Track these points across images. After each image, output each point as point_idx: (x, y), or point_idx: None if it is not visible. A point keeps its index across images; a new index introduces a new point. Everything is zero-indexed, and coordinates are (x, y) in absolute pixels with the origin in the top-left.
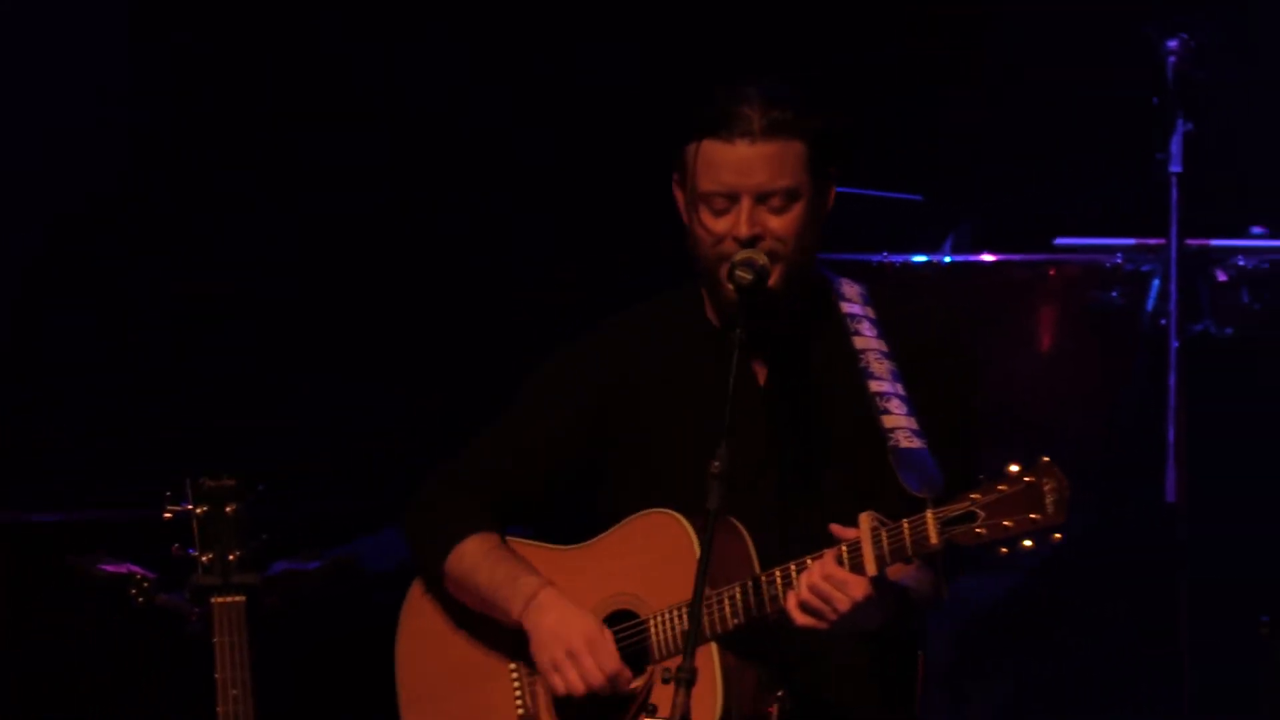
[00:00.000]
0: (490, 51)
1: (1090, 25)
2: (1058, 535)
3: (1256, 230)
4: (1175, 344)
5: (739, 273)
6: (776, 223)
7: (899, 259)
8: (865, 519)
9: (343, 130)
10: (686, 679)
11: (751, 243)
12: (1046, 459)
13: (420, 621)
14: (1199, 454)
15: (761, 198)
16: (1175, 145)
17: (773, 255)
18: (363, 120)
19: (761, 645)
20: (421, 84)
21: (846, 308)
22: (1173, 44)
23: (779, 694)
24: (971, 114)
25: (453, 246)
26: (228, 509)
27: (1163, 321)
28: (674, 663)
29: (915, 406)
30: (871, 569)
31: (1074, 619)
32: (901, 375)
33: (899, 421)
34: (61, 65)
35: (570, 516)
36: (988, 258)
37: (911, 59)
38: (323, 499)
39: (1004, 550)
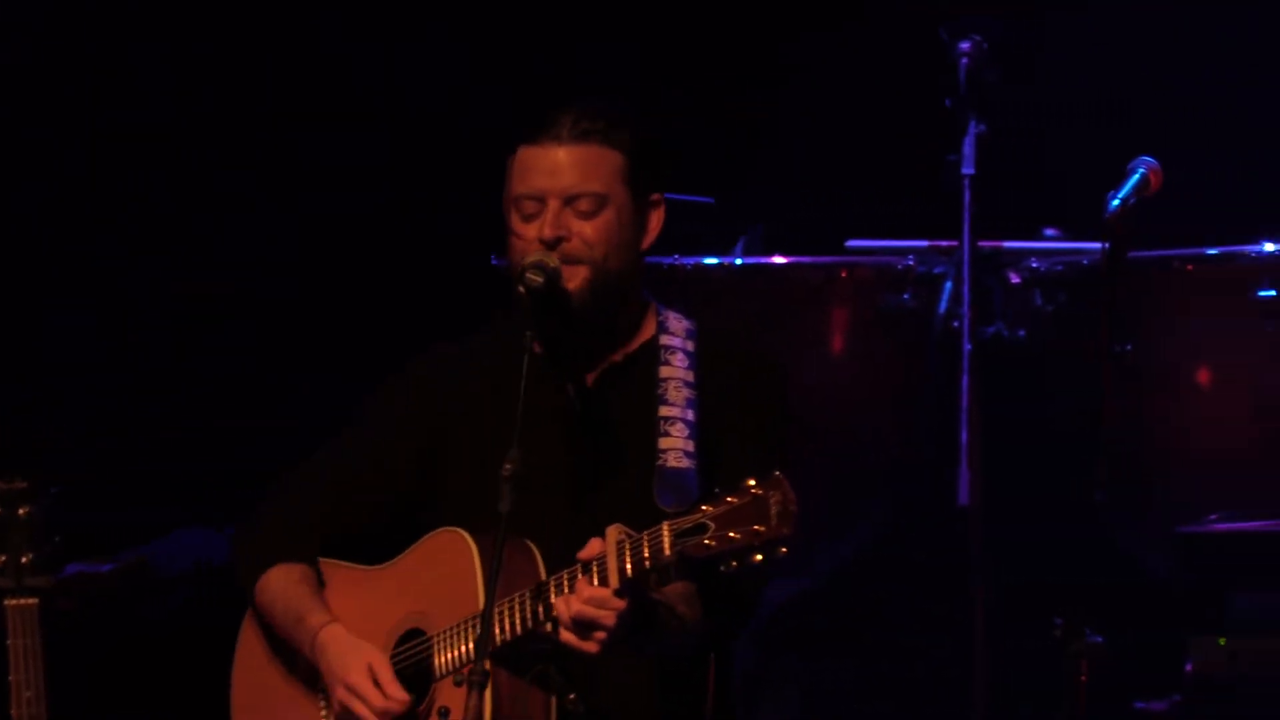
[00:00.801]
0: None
1: (881, 26)
2: (784, 549)
3: (1049, 232)
4: (968, 346)
5: (529, 275)
6: (583, 227)
7: (690, 261)
8: (612, 532)
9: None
10: (479, 681)
11: (554, 245)
12: (778, 473)
13: (253, 634)
14: (992, 457)
15: (569, 200)
16: (968, 147)
17: (576, 259)
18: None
19: (545, 651)
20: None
21: (666, 340)
22: (965, 45)
23: (570, 697)
24: (763, 115)
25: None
26: (20, 511)
27: (955, 324)
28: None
29: (718, 435)
30: (614, 581)
31: (868, 622)
32: (703, 405)
33: (674, 443)
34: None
35: None
36: (779, 260)
37: (702, 58)
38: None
39: (735, 564)
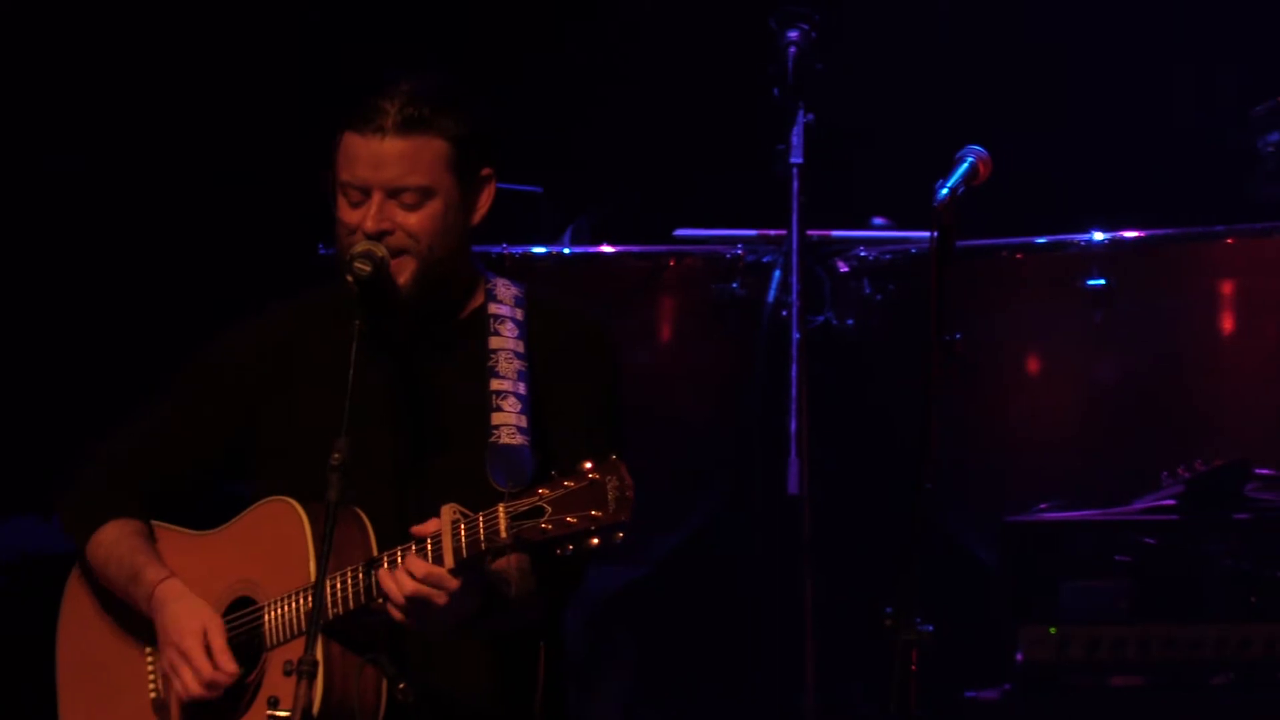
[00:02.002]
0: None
1: (709, 15)
2: (620, 534)
3: (878, 221)
4: (797, 335)
5: (357, 265)
6: (408, 219)
7: (519, 250)
8: (447, 511)
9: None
10: (309, 671)
11: (378, 239)
12: (615, 456)
13: (76, 601)
14: (821, 445)
15: (393, 193)
16: (796, 136)
17: (401, 251)
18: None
19: (375, 633)
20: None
21: (495, 309)
22: (793, 35)
23: (400, 686)
24: (591, 104)
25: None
26: None
27: (784, 313)
28: (291, 652)
29: (549, 411)
30: (448, 561)
31: (699, 610)
32: (534, 376)
33: (507, 419)
34: None
35: None
36: (607, 249)
37: (530, 49)
38: None
39: (570, 547)
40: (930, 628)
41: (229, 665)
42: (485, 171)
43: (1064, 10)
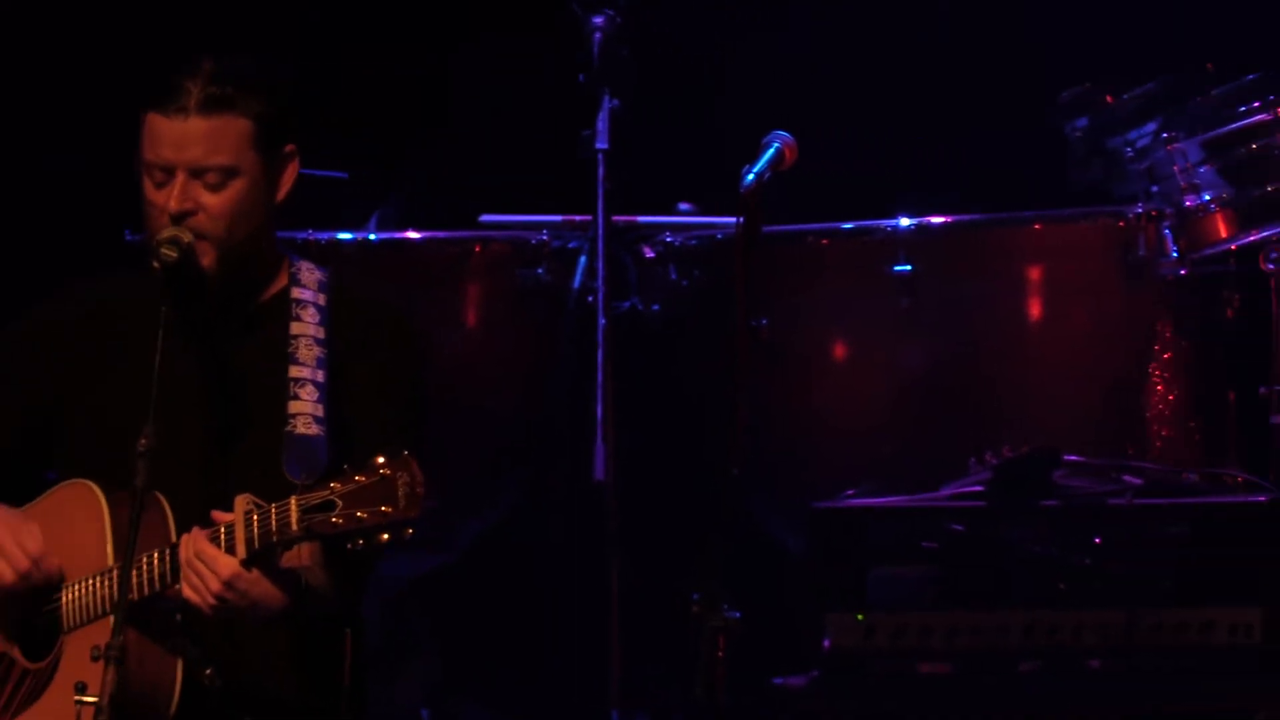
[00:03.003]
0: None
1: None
2: (409, 530)
3: (684, 207)
4: (602, 321)
5: (164, 251)
6: (210, 200)
7: (324, 236)
8: (240, 502)
9: None
10: (116, 656)
11: (180, 219)
12: (407, 453)
13: None
14: (627, 431)
15: (196, 173)
16: (602, 122)
17: (201, 233)
18: None
19: (172, 619)
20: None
21: (298, 293)
22: (599, 20)
23: (207, 672)
24: (397, 90)
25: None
26: None
27: (590, 298)
28: (91, 636)
29: (349, 396)
30: (241, 552)
31: (504, 596)
32: (334, 364)
33: (304, 408)
34: None
35: None
36: (413, 235)
37: (336, 34)
38: None
39: (361, 542)
40: (737, 614)
41: (48, 556)
42: (288, 148)
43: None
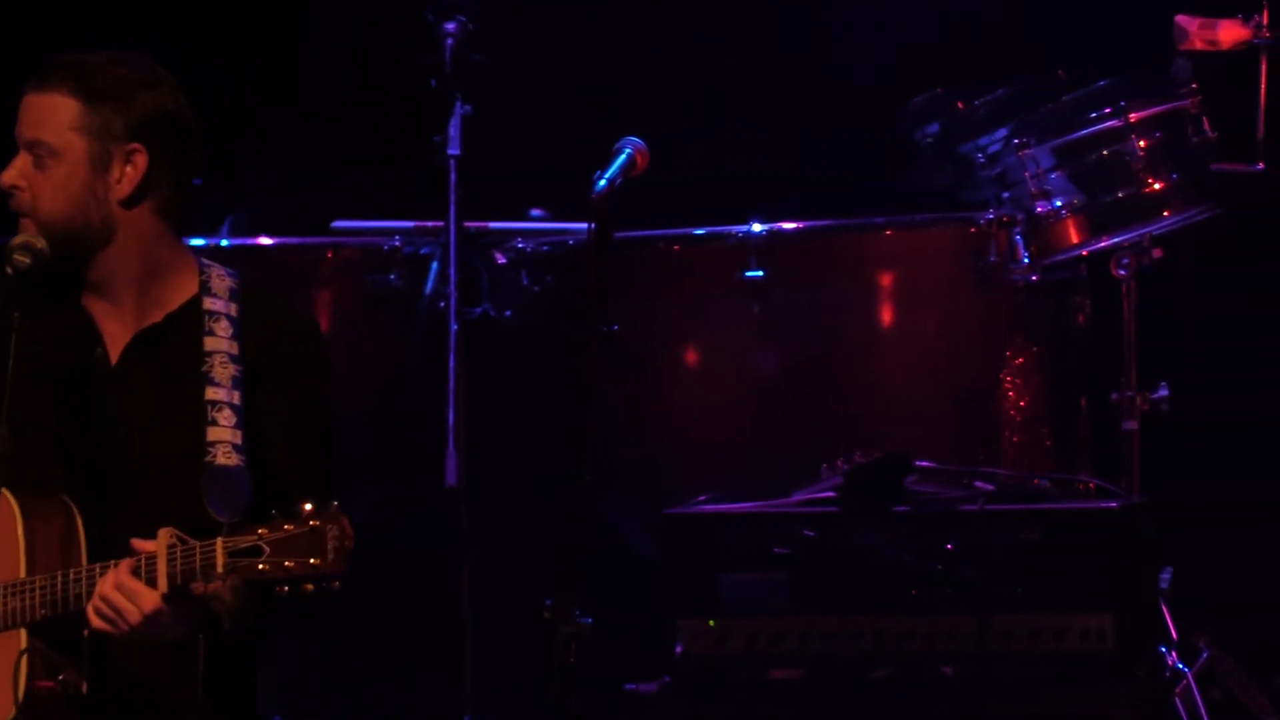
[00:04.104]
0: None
1: (368, 6)
2: (337, 584)
3: (535, 213)
4: (454, 327)
5: (16, 257)
6: (34, 178)
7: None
8: (163, 535)
9: None
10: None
11: (10, 192)
12: (336, 504)
13: None
14: (480, 437)
15: (29, 148)
16: (454, 128)
17: (21, 210)
18: None
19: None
20: None
21: (210, 303)
22: (451, 26)
23: (60, 678)
24: (249, 95)
25: None
26: None
27: (442, 304)
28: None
29: (260, 409)
30: (162, 586)
31: (358, 601)
32: (248, 378)
33: (223, 434)
34: None
35: None
36: (265, 241)
37: (186, 37)
38: None
39: (285, 589)
40: (589, 620)
41: None
42: (132, 147)
43: (724, 6)
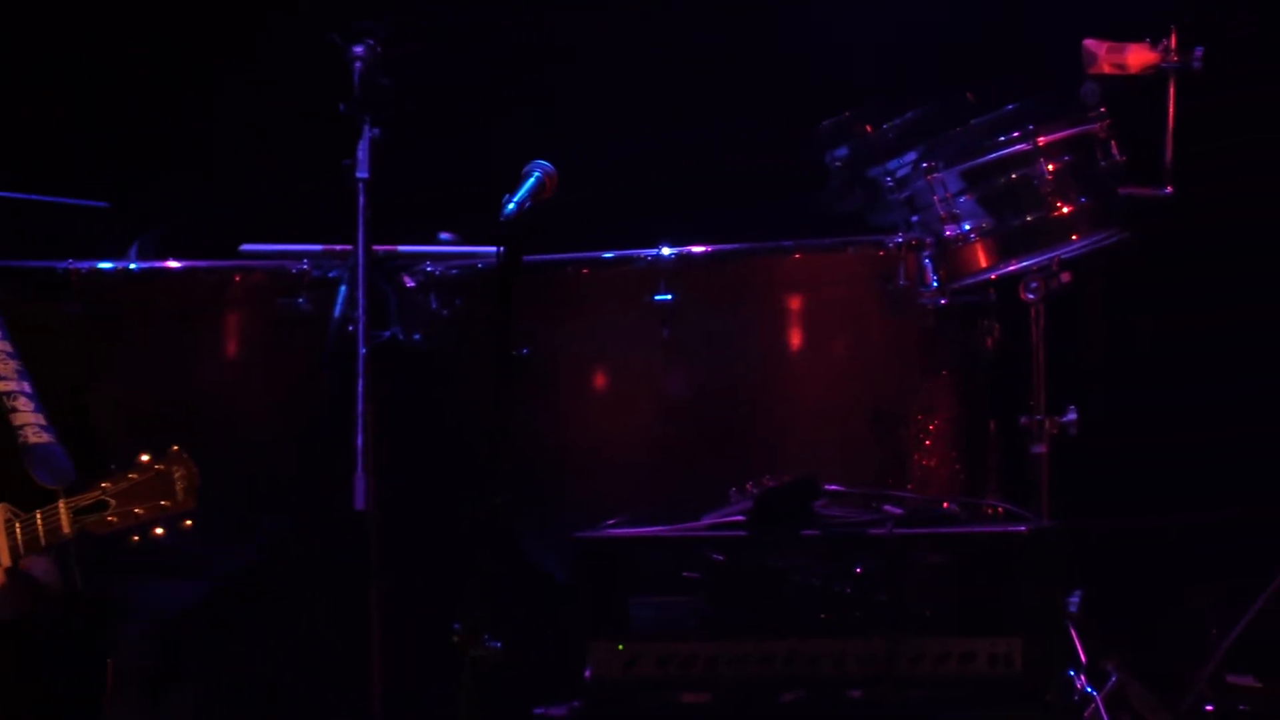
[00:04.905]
0: None
1: (278, 30)
2: (188, 522)
3: (444, 236)
4: (363, 350)
5: None
6: None
7: (85, 266)
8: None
9: None
10: None
11: None
12: (176, 448)
13: None
14: (390, 461)
15: None
16: (362, 151)
17: None
18: None
19: None
20: None
21: None
22: (359, 50)
23: None
24: (159, 118)
25: None
26: None
27: (351, 328)
28: None
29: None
30: (5, 560)
31: (269, 623)
32: (31, 372)
33: (26, 419)
34: None
35: None
36: (173, 265)
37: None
38: None
39: (135, 539)
40: (499, 644)
41: None
42: None
43: (630, 26)
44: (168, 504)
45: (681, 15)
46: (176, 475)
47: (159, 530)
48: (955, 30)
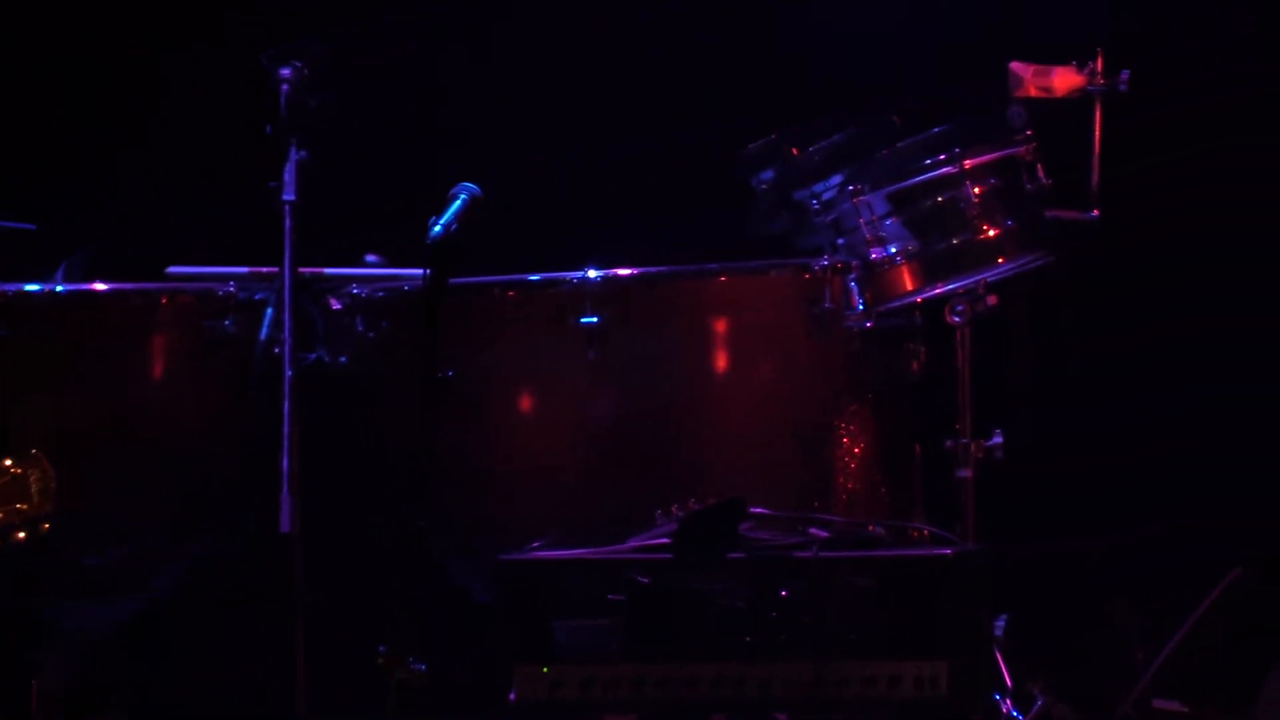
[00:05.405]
0: None
1: (205, 51)
2: (46, 525)
3: (370, 259)
4: (289, 373)
5: None
6: None
7: (11, 289)
8: None
9: None
10: None
11: None
12: (35, 451)
13: None
14: (315, 483)
15: None
16: (288, 173)
17: None
18: None
19: None
20: None
21: None
22: (286, 72)
23: None
24: (84, 140)
25: None
26: None
27: (277, 350)
28: None
29: None
30: None
31: (193, 648)
32: None
33: None
34: None
35: None
36: (100, 287)
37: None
38: None
39: None
40: (423, 666)
41: None
42: None
43: (559, 49)
44: (24, 507)
45: (612, 37)
46: (32, 478)
47: (20, 535)
48: (882, 53)
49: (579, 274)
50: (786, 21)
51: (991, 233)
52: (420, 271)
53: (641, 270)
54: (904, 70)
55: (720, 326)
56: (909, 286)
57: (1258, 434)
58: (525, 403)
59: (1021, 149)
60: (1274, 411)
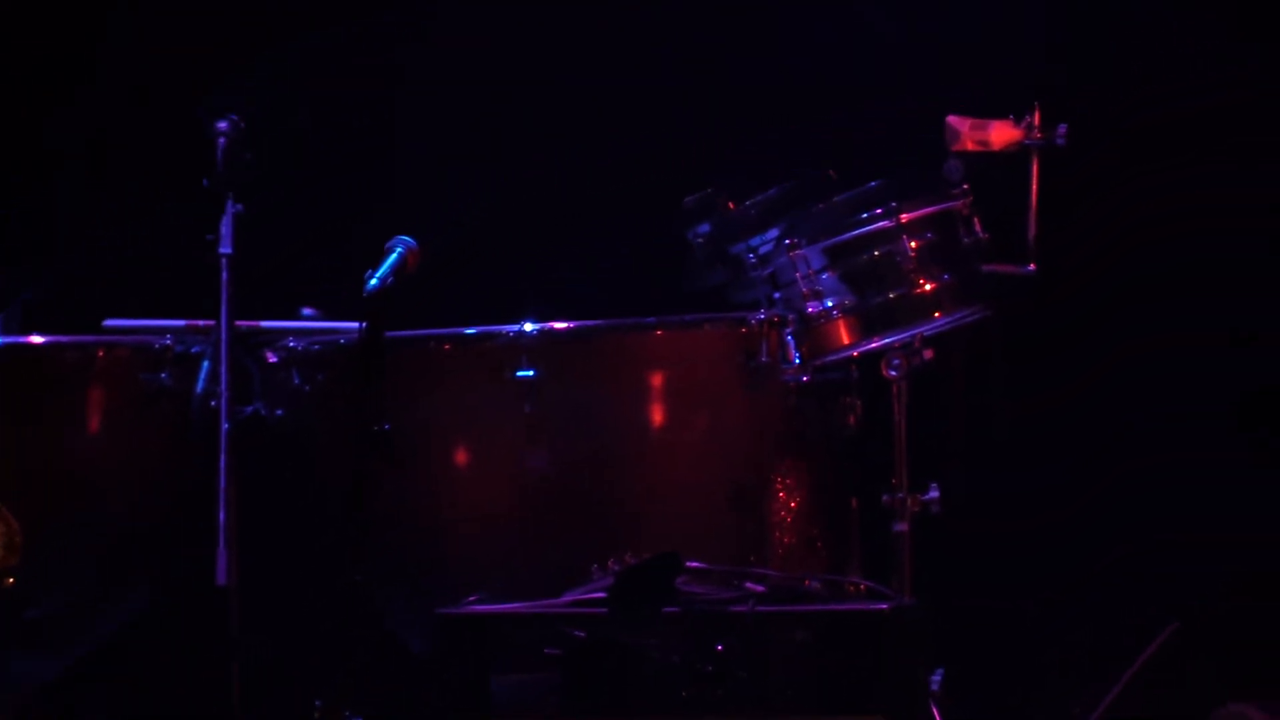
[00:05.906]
0: None
1: (143, 103)
2: (10, 580)
3: (307, 312)
4: (225, 426)
5: None
6: None
7: None
8: None
9: None
10: None
11: None
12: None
13: None
14: (252, 536)
15: None
16: (225, 226)
17: None
18: None
19: None
20: None
21: None
22: (223, 125)
23: None
24: (22, 193)
25: None
26: None
27: (213, 403)
28: None
29: None
30: None
31: (132, 699)
32: None
33: None
34: None
35: None
36: (36, 340)
37: None
38: None
39: None
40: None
41: None
42: None
43: (491, 101)
44: None
45: (549, 87)
46: None
47: None
48: (817, 106)
49: (515, 327)
50: (712, 78)
51: (928, 287)
52: (356, 324)
53: (578, 324)
54: (837, 122)
55: (656, 380)
56: (845, 340)
57: (1191, 489)
58: (462, 456)
59: (958, 203)
60: (1203, 466)
